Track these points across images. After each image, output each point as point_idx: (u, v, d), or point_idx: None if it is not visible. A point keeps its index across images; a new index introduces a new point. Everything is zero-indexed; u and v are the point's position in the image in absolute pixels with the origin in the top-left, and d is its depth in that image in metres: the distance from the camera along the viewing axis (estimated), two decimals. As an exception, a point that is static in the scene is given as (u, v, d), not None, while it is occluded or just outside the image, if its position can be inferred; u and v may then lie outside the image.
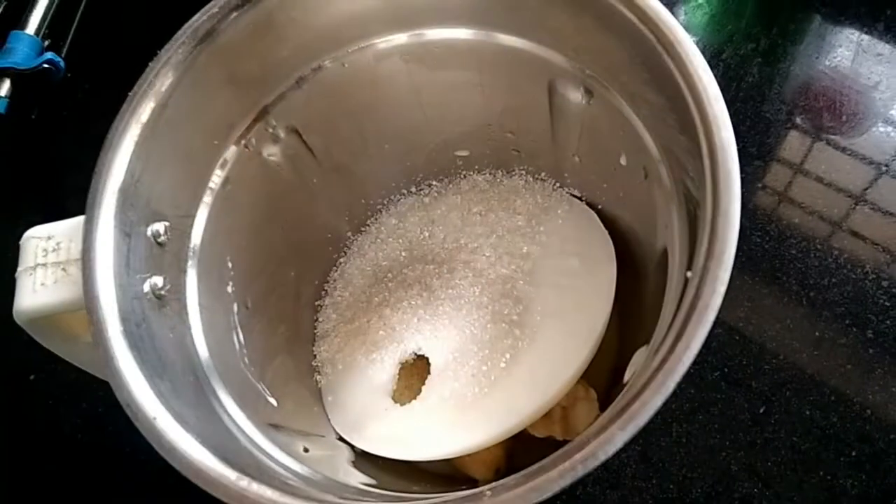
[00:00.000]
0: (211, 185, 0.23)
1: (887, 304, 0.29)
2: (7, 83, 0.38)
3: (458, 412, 0.24)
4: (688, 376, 0.14)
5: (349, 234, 0.31)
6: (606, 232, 0.27)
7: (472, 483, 0.25)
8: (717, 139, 0.16)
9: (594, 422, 0.15)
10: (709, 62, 0.18)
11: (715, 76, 0.17)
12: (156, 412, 0.16)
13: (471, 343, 0.25)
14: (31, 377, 0.32)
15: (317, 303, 0.30)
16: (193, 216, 0.23)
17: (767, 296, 0.29)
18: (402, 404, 0.25)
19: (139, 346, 0.18)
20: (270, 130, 0.25)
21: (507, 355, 0.24)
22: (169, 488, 0.29)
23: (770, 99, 0.34)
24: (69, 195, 0.38)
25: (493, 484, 0.14)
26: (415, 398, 0.25)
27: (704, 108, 0.17)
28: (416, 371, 0.26)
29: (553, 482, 0.14)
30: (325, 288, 0.30)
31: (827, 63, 0.35)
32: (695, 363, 0.15)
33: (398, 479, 0.24)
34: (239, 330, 0.24)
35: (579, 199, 0.29)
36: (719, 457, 0.27)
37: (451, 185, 0.31)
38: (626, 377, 0.21)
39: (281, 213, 0.27)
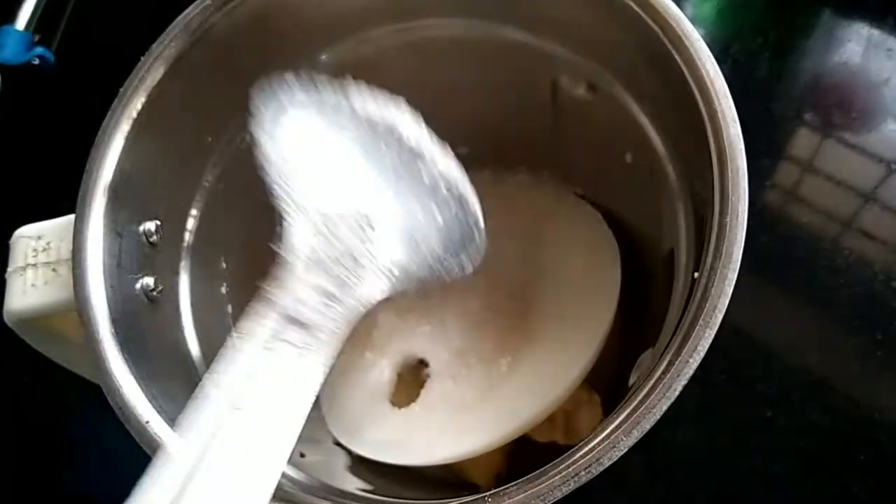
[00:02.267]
0: (204, 183, 0.23)
1: (897, 304, 0.28)
2: (-4, 79, 0.38)
3: (457, 416, 0.24)
4: (694, 378, 0.14)
5: (348, 233, 0.31)
6: (611, 232, 0.26)
7: (473, 489, 0.25)
8: (725, 136, 0.16)
9: (598, 426, 0.15)
10: (716, 57, 0.18)
11: (723, 71, 0.17)
12: (148, 416, 0.16)
13: (471, 346, 0.25)
14: (24, 378, 0.32)
15: (315, 303, 0.30)
16: (186, 215, 0.22)
17: (775, 296, 0.29)
18: (400, 408, 0.25)
19: (131, 348, 0.18)
20: (266, 127, 0.25)
21: (509, 358, 0.24)
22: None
23: (779, 95, 0.34)
24: (59, 192, 0.37)
25: (495, 490, 0.14)
26: (414, 402, 0.25)
27: (712, 104, 0.17)
28: (414, 375, 0.26)
29: (556, 488, 0.14)
30: (324, 288, 0.30)
31: (836, 58, 0.34)
32: (701, 365, 0.14)
33: (396, 485, 0.24)
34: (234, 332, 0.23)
35: (583, 197, 0.28)
36: (725, 461, 0.26)
37: (451, 184, 0.31)
38: (631, 380, 0.21)
39: (276, 212, 0.27)
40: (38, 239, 0.20)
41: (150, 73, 0.20)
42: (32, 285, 0.19)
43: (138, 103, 0.19)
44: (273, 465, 0.13)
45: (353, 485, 0.22)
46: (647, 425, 0.14)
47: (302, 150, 0.16)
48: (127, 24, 0.41)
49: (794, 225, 0.30)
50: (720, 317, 0.15)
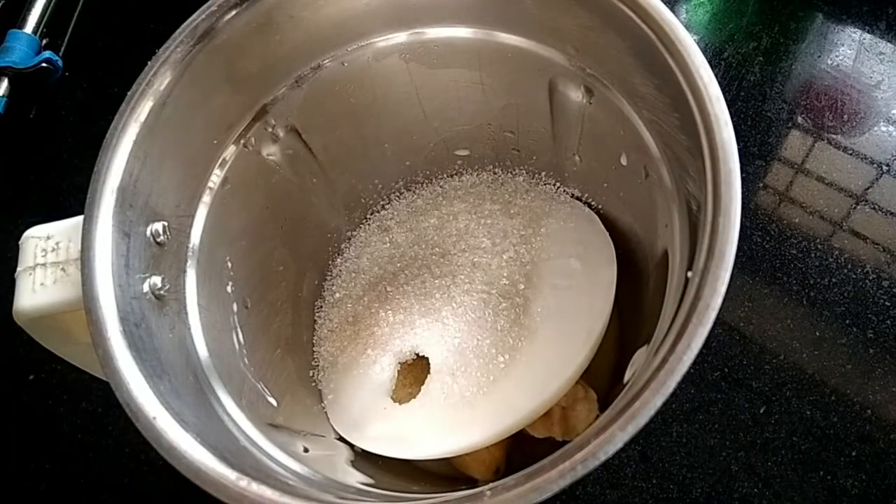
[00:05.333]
0: (210, 184, 0.23)
1: (888, 303, 0.29)
2: (5, 82, 0.38)
3: (457, 411, 0.24)
4: (688, 376, 0.14)
5: (349, 233, 0.31)
6: (607, 233, 0.27)
7: (472, 483, 0.25)
8: (718, 138, 0.16)
9: (594, 422, 0.15)
10: (710, 61, 0.18)
11: (716, 75, 0.17)
12: (155, 412, 0.16)
13: (470, 343, 0.25)
14: (31, 377, 0.32)
15: (317, 303, 0.30)
16: (193, 216, 0.22)
17: (768, 295, 0.29)
18: (401, 403, 0.25)
19: (138, 345, 0.18)
20: (269, 130, 0.25)
21: (507, 355, 0.24)
22: (168, 488, 0.29)
23: (771, 98, 0.34)
24: (68, 195, 0.38)
25: (493, 484, 0.14)
26: (414, 397, 0.25)
27: (705, 107, 0.17)
28: (415, 371, 0.26)
29: (553, 482, 0.14)
30: (325, 288, 0.30)
31: (829, 62, 0.35)
32: (695, 363, 0.14)
33: (398, 479, 0.24)
34: (238, 330, 0.24)
35: (580, 199, 0.29)
36: (719, 457, 0.27)
37: (450, 185, 0.31)
38: (627, 377, 0.21)
39: (280, 213, 0.27)
40: (47, 239, 0.20)
41: (157, 77, 0.20)
42: (42, 284, 0.19)
43: (146, 106, 0.20)
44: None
45: (355, 478, 0.22)
46: (641, 421, 0.14)
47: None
48: (133, 29, 0.42)
49: (787, 225, 0.31)
50: (713, 315, 0.15)
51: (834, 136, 0.33)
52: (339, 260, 0.31)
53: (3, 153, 0.40)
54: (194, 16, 0.21)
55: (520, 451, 0.26)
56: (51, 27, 0.41)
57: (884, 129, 0.33)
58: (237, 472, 0.15)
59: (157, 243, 0.20)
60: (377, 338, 0.27)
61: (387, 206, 0.32)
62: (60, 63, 0.40)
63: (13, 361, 0.33)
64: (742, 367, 0.28)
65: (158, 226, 0.20)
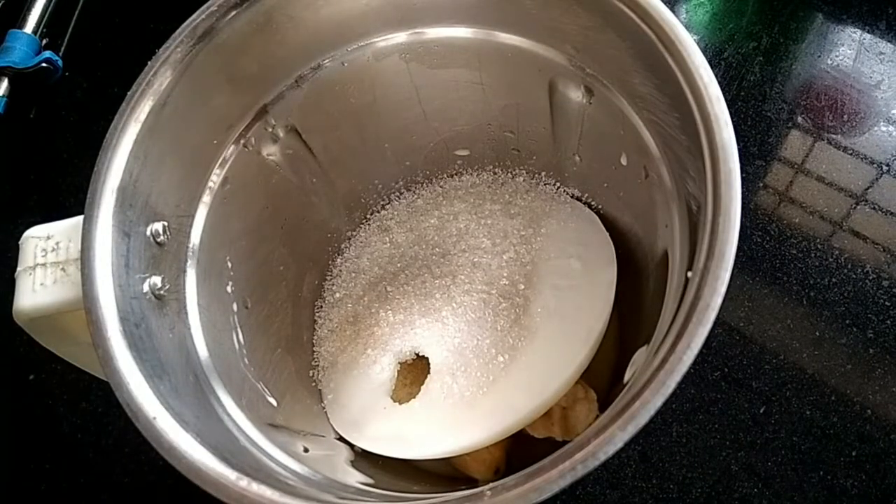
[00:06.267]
0: (210, 184, 0.23)
1: (888, 303, 0.29)
2: (5, 82, 0.38)
3: (457, 411, 0.24)
4: (688, 376, 0.14)
5: (348, 233, 0.31)
6: (607, 233, 0.27)
7: (472, 483, 0.25)
8: (718, 138, 0.16)
9: (594, 422, 0.15)
10: (710, 61, 0.18)
11: (716, 75, 0.17)
12: (155, 412, 0.16)
13: (470, 343, 0.25)
14: (31, 377, 0.32)
15: (317, 302, 0.30)
16: (193, 216, 0.22)
17: (768, 295, 0.29)
18: (401, 403, 0.25)
19: (138, 345, 0.18)
20: (269, 130, 0.25)
21: (507, 355, 0.24)
22: (169, 488, 0.29)
23: (771, 98, 0.34)
24: (68, 195, 0.38)
25: (493, 484, 0.14)
26: (414, 397, 0.25)
27: (705, 107, 0.17)
28: (415, 371, 0.26)
29: (553, 482, 0.14)
30: (325, 287, 0.30)
31: (829, 62, 0.35)
32: (695, 363, 0.15)
33: (398, 479, 0.24)
34: (238, 330, 0.24)
35: (580, 199, 0.29)
36: (719, 457, 0.27)
37: (450, 185, 0.31)
38: (627, 377, 0.21)
39: (280, 213, 0.27)
40: (47, 239, 0.20)
41: (157, 77, 0.20)
42: (42, 284, 0.19)
43: (146, 106, 0.20)
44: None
45: (355, 478, 0.22)
46: (641, 421, 0.14)
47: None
48: (133, 29, 0.42)
49: (787, 225, 0.31)
50: (713, 315, 0.15)
51: (834, 136, 0.33)
52: (339, 260, 0.31)
53: (3, 153, 0.40)
54: (194, 16, 0.21)
55: (520, 451, 0.26)
56: (51, 27, 0.41)
57: (884, 129, 0.33)
58: (237, 472, 0.16)
59: (157, 243, 0.20)
60: (377, 338, 0.27)
61: (387, 206, 0.32)
62: (60, 63, 0.40)
63: (13, 361, 0.33)
64: (742, 367, 0.28)
65: (158, 226, 0.20)
